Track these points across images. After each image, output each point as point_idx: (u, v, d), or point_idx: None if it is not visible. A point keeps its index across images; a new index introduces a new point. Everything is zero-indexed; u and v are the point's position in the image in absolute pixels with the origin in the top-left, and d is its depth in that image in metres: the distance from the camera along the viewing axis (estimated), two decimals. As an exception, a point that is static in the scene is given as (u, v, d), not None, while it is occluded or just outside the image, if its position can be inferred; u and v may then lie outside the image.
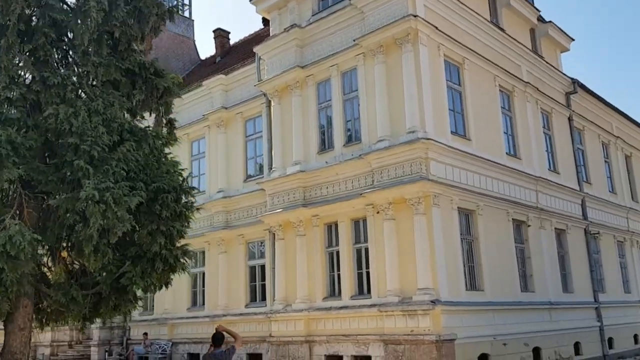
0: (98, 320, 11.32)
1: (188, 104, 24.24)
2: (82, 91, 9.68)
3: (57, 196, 8.92)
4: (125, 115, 10.02)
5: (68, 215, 8.65)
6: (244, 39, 29.33)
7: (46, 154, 9.83)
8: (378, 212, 16.12)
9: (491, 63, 19.10)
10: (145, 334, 23.81)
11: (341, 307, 16.59)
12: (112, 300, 9.66)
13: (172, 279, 10.37)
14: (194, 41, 33.88)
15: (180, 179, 9.89)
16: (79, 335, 28.64)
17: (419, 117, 15.73)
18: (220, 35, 29.55)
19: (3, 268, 8.04)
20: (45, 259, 10.05)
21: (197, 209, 10.43)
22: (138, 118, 10.93)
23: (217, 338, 7.93)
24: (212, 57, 31.19)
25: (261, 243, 20.65)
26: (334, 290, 17.38)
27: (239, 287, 20.88)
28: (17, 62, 9.42)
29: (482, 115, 18.18)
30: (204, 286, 22.49)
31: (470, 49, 18.11)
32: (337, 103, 17.96)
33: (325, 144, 18.28)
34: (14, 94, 9.04)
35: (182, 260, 10.07)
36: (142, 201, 8.88)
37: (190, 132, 24.08)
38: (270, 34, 20.45)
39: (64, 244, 9.67)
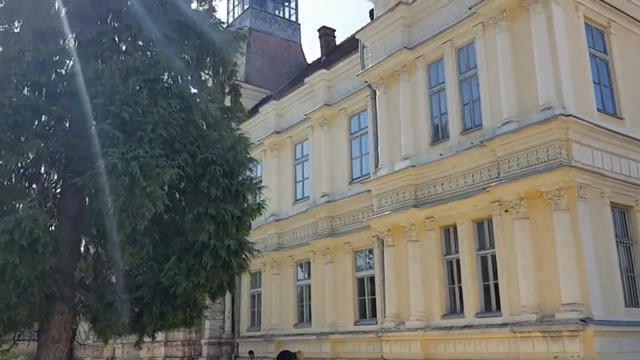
0: (159, 332, 9.32)
1: (291, 105, 23.08)
2: (123, 49, 8.07)
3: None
4: (189, 82, 8.24)
5: (93, 195, 6.98)
6: (349, 36, 27.61)
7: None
8: (506, 211, 13.38)
9: (645, 26, 15.57)
10: (251, 352, 22.30)
11: (464, 327, 13.93)
12: (157, 306, 7.78)
13: (230, 282, 8.18)
14: (300, 45, 32.84)
15: (236, 152, 7.72)
16: (191, 350, 28.06)
17: (554, 91, 12.89)
18: (326, 33, 28.13)
19: (15, 263, 6.50)
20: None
21: (259, 187, 8.32)
22: (212, 96, 9.08)
23: (283, 358, 5.75)
24: (318, 59, 29.83)
25: (369, 252, 18.45)
26: (454, 306, 14.75)
27: (346, 301, 18.76)
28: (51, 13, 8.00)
29: (637, 89, 14.84)
30: (310, 300, 20.61)
31: (617, 10, 14.99)
32: (452, 85, 15.47)
33: (439, 133, 15.82)
34: (42, 51, 7.56)
35: (241, 254, 7.90)
36: (185, 176, 6.99)
37: (293, 135, 22.71)
38: (374, 18, 18.37)
39: (96, 235, 8.00)
